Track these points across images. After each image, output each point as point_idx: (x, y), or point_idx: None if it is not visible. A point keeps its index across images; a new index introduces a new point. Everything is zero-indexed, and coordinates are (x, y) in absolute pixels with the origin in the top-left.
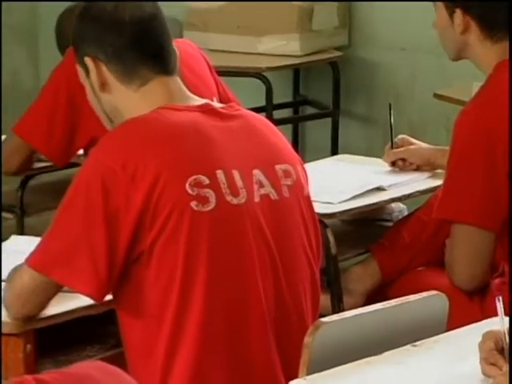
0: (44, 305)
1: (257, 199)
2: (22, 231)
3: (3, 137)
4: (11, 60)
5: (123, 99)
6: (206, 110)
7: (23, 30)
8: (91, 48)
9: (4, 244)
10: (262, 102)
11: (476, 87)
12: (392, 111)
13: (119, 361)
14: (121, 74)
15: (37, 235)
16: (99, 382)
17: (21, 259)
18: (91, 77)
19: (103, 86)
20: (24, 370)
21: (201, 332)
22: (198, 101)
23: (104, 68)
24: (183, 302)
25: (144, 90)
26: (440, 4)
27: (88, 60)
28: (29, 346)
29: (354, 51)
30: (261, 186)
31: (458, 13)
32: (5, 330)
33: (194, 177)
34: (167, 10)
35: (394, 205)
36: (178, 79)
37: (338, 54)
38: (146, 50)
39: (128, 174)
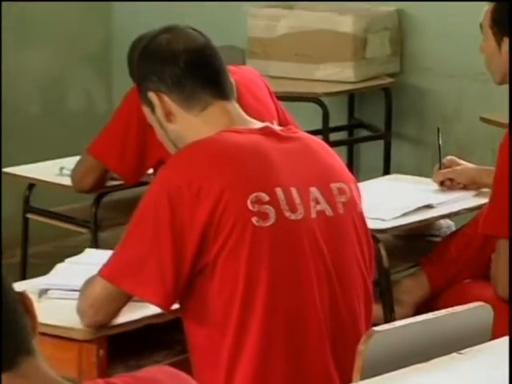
0: (115, 313)
1: (313, 215)
2: (95, 245)
3: (78, 157)
4: (86, 85)
5: (187, 125)
6: (266, 132)
7: (98, 57)
8: (153, 83)
9: (79, 256)
10: (319, 125)
11: None
12: (440, 134)
13: (185, 366)
14: (182, 100)
15: (109, 248)
16: None
17: (94, 271)
18: (156, 112)
19: (168, 116)
20: (97, 373)
21: (262, 340)
22: (258, 124)
23: (166, 98)
24: (245, 312)
25: (205, 114)
26: (489, 31)
27: (152, 95)
28: (101, 352)
29: (405, 78)
30: (317, 202)
31: (506, 41)
32: (79, 336)
33: (255, 194)
34: (231, 39)
35: (442, 221)
36: (236, 104)
37: (390, 80)
38: (202, 76)
39: (193, 192)
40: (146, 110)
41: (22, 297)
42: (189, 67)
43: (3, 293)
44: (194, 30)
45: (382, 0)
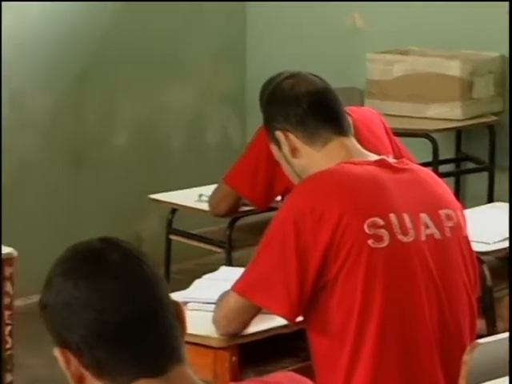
0: (246, 324)
1: (423, 238)
2: (229, 263)
3: (215, 185)
4: (223, 122)
5: (310, 159)
6: (381, 164)
7: (234, 97)
8: (279, 123)
9: (215, 273)
10: (430, 158)
11: None
12: None
13: (308, 372)
14: (306, 137)
15: (242, 266)
16: None
17: (228, 286)
18: (283, 149)
19: (293, 151)
20: (230, 377)
21: (376, 350)
22: (374, 157)
23: (292, 136)
24: (362, 325)
25: (326, 149)
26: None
27: (279, 134)
28: (234, 358)
29: (507, 116)
30: (426, 227)
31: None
32: (214, 344)
33: (371, 219)
34: (352, 81)
35: None
36: (353, 139)
37: (494, 118)
38: (323, 115)
39: (315, 217)
40: (273, 147)
41: (177, 306)
42: (311, 108)
43: (168, 312)
44: (314, 75)
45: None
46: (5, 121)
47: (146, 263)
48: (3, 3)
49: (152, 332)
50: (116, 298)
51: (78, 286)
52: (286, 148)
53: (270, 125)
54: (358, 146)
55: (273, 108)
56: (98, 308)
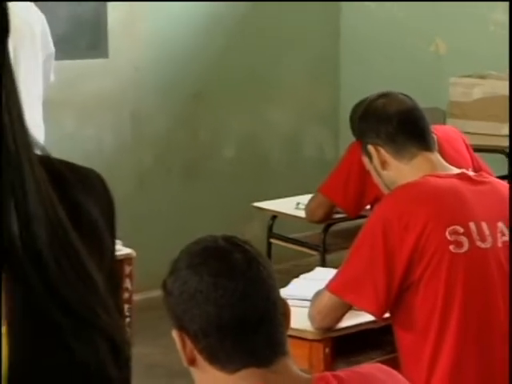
0: (338, 319)
1: (500, 245)
2: (323, 264)
3: (311, 195)
4: (318, 137)
5: (398, 171)
6: (462, 177)
7: (328, 116)
8: (372, 138)
9: (310, 273)
10: (505, 172)
11: None
12: None
13: (394, 364)
14: (395, 152)
15: (334, 268)
16: (379, 379)
17: (322, 285)
18: (374, 161)
19: (383, 164)
20: (324, 367)
21: (457, 344)
22: (456, 170)
23: (382, 150)
24: (443, 322)
25: (412, 163)
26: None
27: (370, 147)
28: (327, 350)
29: None
30: (503, 234)
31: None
32: (310, 337)
33: (452, 227)
34: (434, 102)
35: None
36: (437, 154)
37: None
38: (411, 133)
39: (402, 224)
40: (365, 159)
41: (285, 305)
42: (400, 126)
43: (273, 289)
44: (403, 95)
45: None
46: (126, 137)
47: (263, 265)
48: (128, 30)
49: (264, 328)
50: (236, 296)
51: (204, 281)
52: (376, 161)
53: (362, 139)
54: (442, 160)
55: (366, 124)
56: (219, 304)
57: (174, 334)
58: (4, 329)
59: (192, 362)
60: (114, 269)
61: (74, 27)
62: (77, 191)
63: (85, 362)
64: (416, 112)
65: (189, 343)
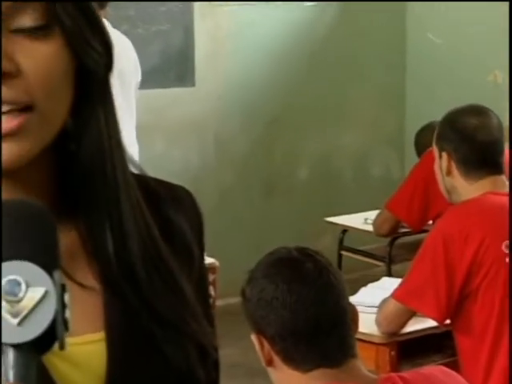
0: (403, 325)
1: None
2: (389, 274)
3: (378, 211)
4: (385, 158)
5: (462, 188)
6: None
7: (394, 138)
8: (449, 149)
9: (377, 283)
10: None
11: None
12: None
13: (454, 366)
14: (464, 172)
15: (399, 277)
16: (441, 380)
17: (388, 293)
18: (442, 165)
19: (449, 172)
20: (390, 369)
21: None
22: None
23: (454, 164)
24: (499, 326)
25: (478, 184)
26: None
27: (444, 154)
28: (393, 353)
29: None
30: None
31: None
32: (376, 340)
33: (507, 241)
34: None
35: None
36: (504, 176)
37: None
38: (487, 163)
39: (462, 238)
40: (436, 158)
41: (354, 310)
42: (480, 156)
43: (342, 296)
44: (496, 117)
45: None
46: (210, 158)
47: (333, 274)
48: (213, 63)
49: (336, 332)
50: (309, 302)
51: (279, 289)
52: (444, 167)
53: (441, 142)
54: (505, 179)
55: (450, 134)
56: (294, 309)
57: (253, 337)
58: (99, 335)
59: (270, 362)
60: (204, 278)
61: (164, 60)
62: (168, 207)
63: (177, 366)
64: (498, 145)
65: (266, 345)
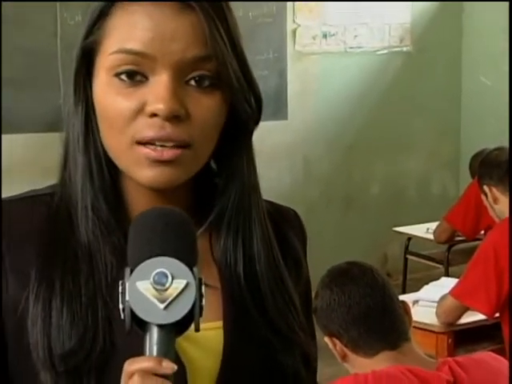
0: (459, 317)
1: None
2: (447, 275)
3: (437, 222)
4: (443, 180)
5: (505, 205)
6: None
7: (451, 161)
8: (486, 180)
9: (437, 282)
10: None
11: None
12: None
13: (502, 353)
14: (504, 190)
15: (456, 278)
16: (490, 364)
17: (447, 291)
18: (488, 198)
19: (495, 200)
20: (447, 354)
21: None
22: None
23: (494, 189)
24: None
25: None
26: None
27: (485, 188)
28: (450, 340)
29: None
30: None
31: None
32: (436, 329)
33: None
34: None
35: None
36: None
37: None
38: None
39: (508, 247)
40: (483, 196)
41: (405, 304)
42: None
43: (387, 288)
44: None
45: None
46: (299, 177)
47: (377, 273)
48: (302, 100)
49: (387, 318)
50: (358, 296)
51: (333, 292)
52: (490, 198)
53: (481, 181)
54: None
55: (483, 170)
56: (347, 304)
57: (326, 339)
58: (218, 324)
59: (344, 357)
60: (309, 292)
61: (263, 98)
62: (283, 226)
63: (285, 369)
64: None
65: (337, 342)
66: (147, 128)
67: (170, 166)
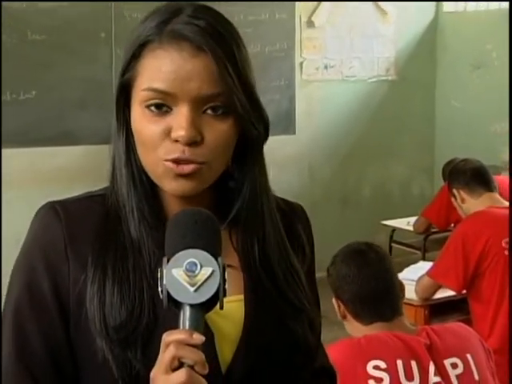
0: (433, 293)
1: None
2: (424, 259)
3: (416, 217)
4: (421, 184)
5: (470, 205)
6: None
7: (427, 169)
8: (455, 184)
9: (416, 265)
10: None
11: None
12: None
13: (468, 322)
14: (468, 192)
15: (431, 261)
16: (459, 331)
17: (423, 272)
18: (457, 199)
19: (462, 201)
20: (424, 323)
21: (510, 311)
22: (506, 204)
23: (461, 192)
24: (500, 299)
25: (480, 200)
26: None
27: (454, 190)
28: (426, 312)
29: None
30: None
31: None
32: (415, 303)
33: (506, 239)
34: (494, 161)
35: None
36: (497, 194)
37: None
38: (479, 180)
39: (475, 237)
40: (452, 198)
41: (401, 284)
42: (472, 176)
43: (393, 274)
44: (476, 160)
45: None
46: (305, 180)
47: (388, 260)
48: (308, 117)
49: (388, 298)
50: (370, 278)
51: (350, 268)
52: (458, 199)
53: (450, 186)
54: (499, 197)
55: (452, 176)
56: (359, 283)
57: (333, 300)
58: (239, 297)
59: (344, 317)
60: (313, 273)
61: (276, 117)
62: (292, 218)
63: (295, 333)
64: (482, 168)
65: (342, 306)
66: (172, 151)
67: (190, 179)
